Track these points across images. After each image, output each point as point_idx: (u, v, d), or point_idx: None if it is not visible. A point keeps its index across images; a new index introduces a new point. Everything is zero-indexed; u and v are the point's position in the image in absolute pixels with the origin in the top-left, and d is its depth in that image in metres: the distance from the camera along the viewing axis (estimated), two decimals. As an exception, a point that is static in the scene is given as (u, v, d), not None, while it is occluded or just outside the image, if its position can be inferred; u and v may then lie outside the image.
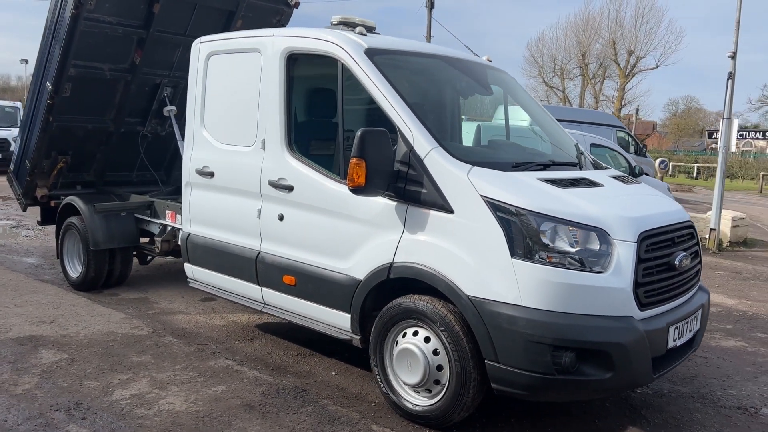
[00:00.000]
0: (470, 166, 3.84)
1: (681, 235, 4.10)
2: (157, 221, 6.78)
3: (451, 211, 3.78)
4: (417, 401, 4.00)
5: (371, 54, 4.32)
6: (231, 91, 5.17)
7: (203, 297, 6.73)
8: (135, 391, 4.29)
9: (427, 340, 3.91)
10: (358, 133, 3.81)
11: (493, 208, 3.63)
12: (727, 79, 11.63)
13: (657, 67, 46.71)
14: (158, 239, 6.67)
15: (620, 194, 4.27)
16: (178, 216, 6.34)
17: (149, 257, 7.42)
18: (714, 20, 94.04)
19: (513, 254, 3.54)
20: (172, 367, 4.73)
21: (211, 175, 5.25)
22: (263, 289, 4.91)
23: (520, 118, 5.47)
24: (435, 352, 3.87)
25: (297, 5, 7.74)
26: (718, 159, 11.75)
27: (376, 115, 4.56)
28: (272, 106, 4.74)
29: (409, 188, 3.94)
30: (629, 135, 19.01)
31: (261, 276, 4.89)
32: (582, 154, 4.93)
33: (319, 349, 5.24)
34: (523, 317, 3.50)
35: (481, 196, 3.68)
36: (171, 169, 8.32)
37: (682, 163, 43.69)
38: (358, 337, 4.33)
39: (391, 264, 4.01)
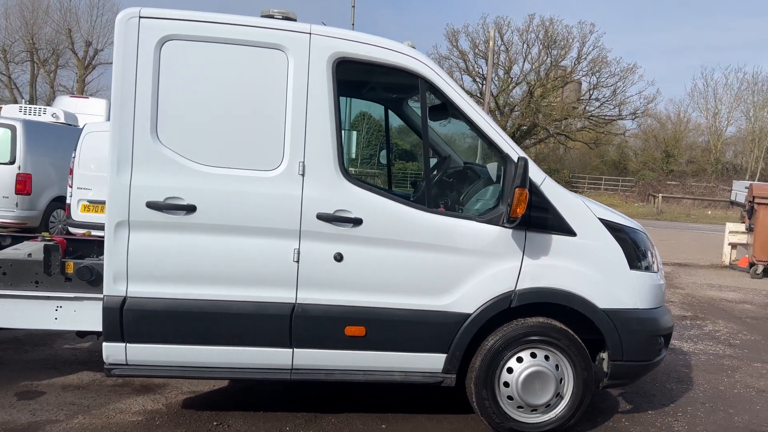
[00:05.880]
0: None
1: None
2: None
3: (574, 234, 4.07)
4: (534, 419, 4.12)
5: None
6: (221, 96, 3.77)
7: (16, 391, 4.39)
8: None
9: (546, 358, 4.10)
10: (522, 162, 3.71)
11: (610, 228, 4.15)
12: None
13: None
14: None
15: None
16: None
17: None
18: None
19: (631, 266, 4.18)
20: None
21: (189, 209, 3.72)
22: (297, 350, 3.89)
23: None
24: (557, 368, 4.11)
25: None
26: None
27: (459, 140, 4.29)
28: (318, 123, 3.81)
29: (534, 215, 4.00)
30: None
31: (297, 335, 3.86)
32: None
33: (311, 409, 4.40)
34: (645, 317, 4.21)
35: (599, 218, 4.13)
36: None
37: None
38: (454, 376, 4.06)
39: (514, 291, 3.99)
